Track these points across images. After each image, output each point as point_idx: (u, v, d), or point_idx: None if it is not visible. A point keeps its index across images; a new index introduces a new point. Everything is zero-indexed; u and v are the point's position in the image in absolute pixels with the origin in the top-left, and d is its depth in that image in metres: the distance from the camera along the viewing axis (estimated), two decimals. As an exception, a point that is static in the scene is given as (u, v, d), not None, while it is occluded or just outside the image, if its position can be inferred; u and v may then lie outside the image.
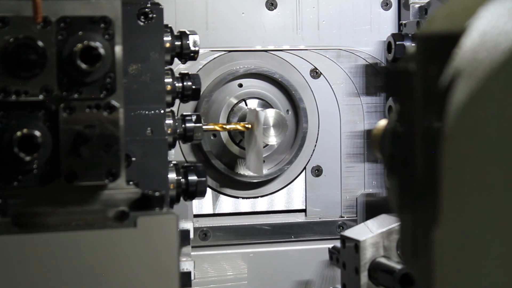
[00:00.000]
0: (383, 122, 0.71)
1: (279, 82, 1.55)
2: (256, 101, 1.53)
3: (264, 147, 1.47)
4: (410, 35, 1.52)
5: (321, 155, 1.60)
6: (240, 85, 1.54)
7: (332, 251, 1.45)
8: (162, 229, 0.90)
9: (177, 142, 1.20)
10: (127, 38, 0.95)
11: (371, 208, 1.59)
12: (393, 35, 1.53)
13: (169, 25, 1.13)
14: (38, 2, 0.85)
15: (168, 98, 1.11)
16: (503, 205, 0.50)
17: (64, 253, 0.86)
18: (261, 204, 1.58)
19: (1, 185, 0.89)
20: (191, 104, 1.52)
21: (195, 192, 1.15)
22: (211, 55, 1.54)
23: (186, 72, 1.18)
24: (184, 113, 1.20)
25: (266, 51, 1.56)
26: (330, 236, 1.58)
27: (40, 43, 0.87)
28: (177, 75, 1.16)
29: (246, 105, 1.52)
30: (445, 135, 0.50)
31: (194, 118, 1.19)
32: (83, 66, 0.87)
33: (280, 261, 1.57)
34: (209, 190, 1.54)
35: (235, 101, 1.53)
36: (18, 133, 0.87)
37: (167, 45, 1.11)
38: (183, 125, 1.17)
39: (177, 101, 1.18)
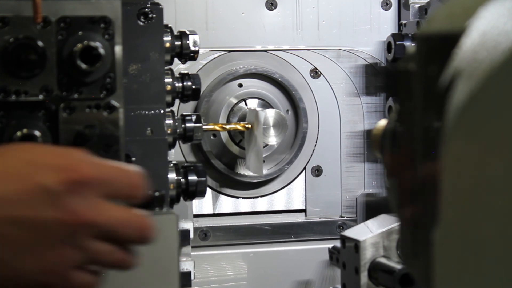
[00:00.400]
0: (383, 122, 0.71)
1: (279, 82, 1.55)
2: (256, 101, 1.53)
3: (264, 147, 1.47)
4: (410, 35, 1.52)
5: (321, 155, 1.60)
6: (240, 85, 1.54)
7: (332, 251, 1.45)
8: (162, 229, 0.90)
9: (177, 142, 1.20)
10: (127, 38, 0.95)
11: (371, 208, 1.59)
12: (393, 35, 1.53)
13: (169, 25, 1.13)
14: (38, 2, 0.85)
15: (168, 98, 1.11)
16: (503, 205, 0.50)
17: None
18: (261, 204, 1.58)
19: (1, 185, 0.89)
20: (191, 104, 1.52)
21: (195, 192, 1.15)
22: (211, 55, 1.54)
23: (186, 72, 1.18)
24: (184, 113, 1.20)
25: (266, 51, 1.56)
26: (330, 236, 1.57)
27: (40, 43, 0.87)
28: (177, 75, 1.16)
29: (246, 105, 1.52)
30: (445, 135, 0.50)
31: (194, 118, 1.19)
32: (83, 66, 0.87)
33: (280, 261, 1.57)
34: (209, 190, 1.54)
35: (235, 101, 1.53)
36: (18, 133, 0.87)
37: (167, 45, 1.11)
38: (183, 125, 1.17)
39: (177, 101, 1.18)
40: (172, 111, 1.14)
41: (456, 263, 0.51)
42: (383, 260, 1.28)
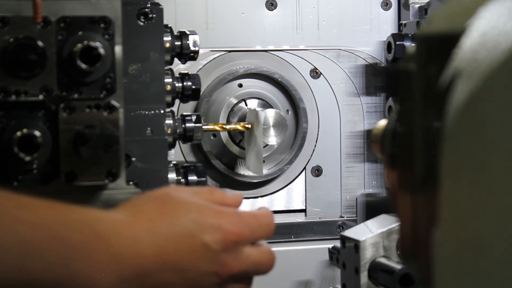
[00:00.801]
0: (383, 122, 0.71)
1: (279, 82, 1.55)
2: (256, 101, 1.53)
3: (264, 147, 1.47)
4: (410, 35, 1.52)
5: (321, 155, 1.59)
6: (240, 85, 1.54)
7: (332, 251, 1.45)
8: (162, 229, 0.90)
9: (177, 142, 1.20)
10: (127, 38, 0.95)
11: (371, 208, 1.59)
12: (393, 35, 1.53)
13: (169, 25, 1.13)
14: (38, 2, 0.85)
15: (168, 98, 1.11)
16: (503, 205, 0.50)
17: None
18: (261, 204, 1.58)
19: (1, 185, 0.89)
20: (191, 104, 1.51)
21: (195, 192, 1.14)
22: (211, 55, 1.54)
23: (186, 72, 1.18)
24: (184, 113, 1.20)
25: (266, 51, 1.56)
26: (330, 236, 1.57)
27: (40, 43, 0.87)
28: (177, 75, 1.16)
29: (246, 105, 1.52)
30: (445, 135, 0.50)
31: (194, 118, 1.19)
32: (83, 66, 0.87)
33: (280, 261, 1.56)
34: (209, 190, 1.53)
35: (235, 101, 1.53)
36: (18, 133, 0.87)
37: (167, 45, 1.11)
38: (183, 125, 1.17)
39: (177, 101, 1.18)
40: (172, 111, 1.14)
41: (456, 263, 0.51)
42: (383, 260, 1.28)
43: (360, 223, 1.53)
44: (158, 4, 1.08)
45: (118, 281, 0.74)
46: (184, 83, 1.16)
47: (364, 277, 1.29)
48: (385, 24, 1.60)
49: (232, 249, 0.80)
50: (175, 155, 1.49)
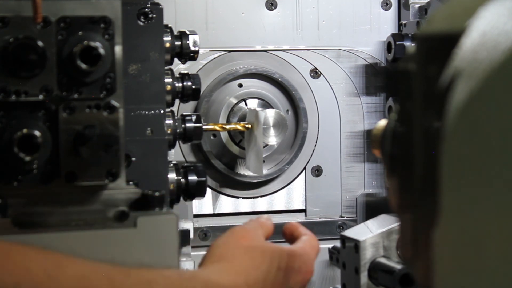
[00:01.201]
0: (383, 122, 0.71)
1: (279, 82, 1.55)
2: (256, 101, 1.53)
3: (264, 147, 1.47)
4: (410, 35, 1.52)
5: (321, 155, 1.60)
6: (240, 85, 1.54)
7: (332, 251, 1.45)
8: (162, 229, 0.90)
9: (177, 142, 1.20)
10: (127, 38, 0.95)
11: (371, 208, 1.59)
12: (393, 35, 1.53)
13: (169, 25, 1.13)
14: (38, 2, 0.85)
15: (168, 98, 1.11)
16: (503, 205, 0.50)
17: (64, 253, 0.86)
18: (261, 204, 1.58)
19: (1, 185, 0.89)
20: (191, 104, 1.52)
21: (195, 192, 1.15)
22: (211, 55, 1.54)
23: (186, 72, 1.18)
24: (184, 113, 1.20)
25: (266, 51, 1.56)
26: (330, 236, 1.57)
27: (40, 43, 0.87)
28: (177, 75, 1.16)
29: (246, 105, 1.52)
30: (445, 135, 0.50)
31: (194, 118, 1.19)
32: (83, 66, 0.87)
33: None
34: (209, 190, 1.54)
35: (235, 101, 1.53)
36: (18, 133, 0.87)
37: (167, 45, 1.11)
38: (183, 125, 1.17)
39: (177, 101, 1.18)
40: (172, 111, 1.14)
41: (456, 263, 0.51)
42: (383, 260, 1.28)
43: (360, 223, 1.53)
44: (158, 4, 1.08)
45: None
46: (184, 83, 1.15)
47: (364, 277, 1.29)
48: (385, 24, 1.60)
49: (307, 282, 0.95)
50: (175, 155, 1.49)
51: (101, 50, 0.88)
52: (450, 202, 0.51)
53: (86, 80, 0.89)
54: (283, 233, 1.06)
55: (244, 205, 1.58)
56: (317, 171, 1.60)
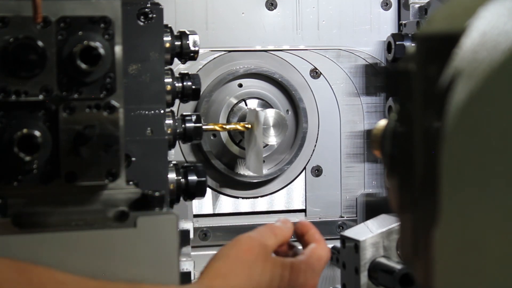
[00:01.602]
0: (383, 122, 0.71)
1: (279, 82, 1.55)
2: (256, 101, 1.53)
3: (264, 147, 1.47)
4: (410, 35, 1.52)
5: (321, 155, 1.60)
6: (240, 85, 1.54)
7: (332, 251, 1.45)
8: (162, 229, 0.90)
9: (177, 142, 1.20)
10: (127, 38, 0.95)
11: (371, 208, 1.59)
12: (393, 35, 1.53)
13: (169, 25, 1.13)
14: (38, 2, 0.85)
15: (168, 98, 1.11)
16: (503, 205, 0.50)
17: (64, 253, 0.86)
18: (261, 204, 1.58)
19: (1, 185, 0.89)
20: (191, 104, 1.52)
21: (195, 192, 1.15)
22: (211, 55, 1.54)
23: (186, 72, 1.18)
24: (184, 113, 1.20)
25: (266, 51, 1.56)
26: (330, 236, 1.57)
27: (40, 43, 0.87)
28: (177, 75, 1.16)
29: (246, 105, 1.52)
30: (445, 135, 0.50)
31: (194, 118, 1.19)
32: (83, 66, 0.87)
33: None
34: (209, 190, 1.54)
35: (235, 101, 1.53)
36: (18, 133, 0.86)
37: (167, 45, 1.11)
38: (183, 125, 1.17)
39: (177, 101, 1.18)
40: (172, 111, 1.14)
41: (456, 263, 0.51)
42: (383, 260, 1.28)
43: (360, 223, 1.53)
44: (158, 4, 1.08)
45: None
46: (184, 83, 1.15)
47: (364, 277, 1.29)
48: (385, 24, 1.60)
49: None
50: (175, 155, 1.49)
51: (101, 50, 0.87)
52: (450, 202, 0.51)
53: (86, 80, 0.89)
54: (294, 231, 1.03)
55: (244, 205, 1.58)
56: (317, 171, 1.60)
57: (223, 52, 1.54)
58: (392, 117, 0.65)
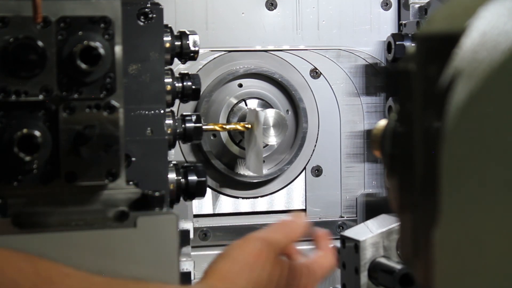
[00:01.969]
0: (383, 122, 0.71)
1: (279, 82, 1.55)
2: (256, 101, 1.53)
3: (264, 147, 1.47)
4: (410, 35, 1.52)
5: (321, 155, 1.60)
6: (240, 85, 1.54)
7: (332, 251, 1.45)
8: (162, 229, 0.90)
9: (177, 142, 1.20)
10: (127, 38, 0.95)
11: (371, 208, 1.59)
12: (393, 35, 1.53)
13: (169, 25, 1.13)
14: (38, 2, 0.85)
15: (168, 98, 1.11)
16: (503, 205, 0.50)
17: (64, 253, 0.86)
18: (261, 204, 1.58)
19: (1, 185, 0.89)
20: (191, 104, 1.52)
21: (195, 192, 1.15)
22: (211, 55, 1.54)
23: (186, 72, 1.18)
24: (184, 113, 1.20)
25: (266, 51, 1.56)
26: (330, 236, 1.57)
27: (40, 43, 0.87)
28: (177, 75, 1.16)
29: (246, 105, 1.52)
30: (445, 135, 0.50)
31: (194, 118, 1.19)
32: (83, 66, 0.87)
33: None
34: (209, 190, 1.54)
35: (235, 101, 1.53)
36: (18, 133, 0.86)
37: (167, 45, 1.11)
38: (183, 125, 1.17)
39: (177, 101, 1.18)
40: (172, 111, 1.14)
41: (456, 263, 0.51)
42: (383, 260, 1.28)
43: (360, 223, 1.53)
44: (158, 4, 1.08)
45: None
46: (184, 83, 1.15)
47: (364, 277, 1.29)
48: (385, 24, 1.60)
49: None
50: (175, 155, 1.49)
51: (101, 50, 0.87)
52: (450, 202, 0.51)
53: (86, 80, 0.89)
54: (311, 234, 1.03)
55: (244, 205, 1.58)
56: (317, 171, 1.60)
57: (223, 52, 1.54)
58: (392, 117, 0.65)
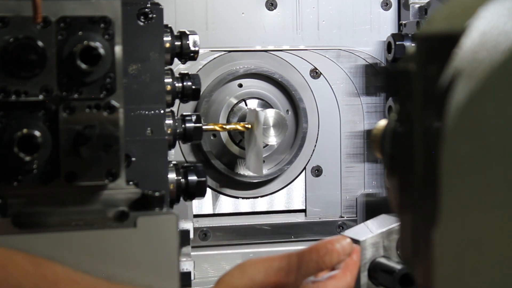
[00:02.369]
0: (383, 122, 0.71)
1: (279, 82, 1.55)
2: (256, 101, 1.53)
3: (264, 147, 1.47)
4: (410, 35, 1.52)
5: (321, 155, 1.60)
6: (240, 85, 1.54)
7: (332, 251, 1.45)
8: (162, 229, 0.90)
9: (177, 142, 1.20)
10: (127, 38, 0.95)
11: (371, 208, 1.59)
12: (393, 35, 1.53)
13: (169, 25, 1.13)
14: (38, 2, 0.85)
15: (168, 98, 1.11)
16: (503, 205, 0.50)
17: (64, 253, 0.86)
18: (261, 204, 1.58)
19: (1, 185, 0.89)
20: (191, 104, 1.52)
21: (195, 192, 1.15)
22: (211, 55, 1.54)
23: (186, 72, 1.18)
24: (184, 113, 1.20)
25: (266, 51, 1.56)
26: (330, 236, 1.57)
27: (40, 43, 0.87)
28: (177, 75, 1.16)
29: (246, 105, 1.52)
30: (445, 135, 0.50)
31: (194, 118, 1.19)
32: (83, 66, 0.87)
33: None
34: (209, 190, 1.54)
35: (235, 101, 1.53)
36: (18, 133, 0.87)
37: (167, 45, 1.11)
38: (183, 125, 1.17)
39: (177, 101, 1.18)
40: (172, 111, 1.14)
41: (456, 263, 0.51)
42: (383, 260, 1.28)
43: (360, 223, 1.53)
44: (158, 4, 1.08)
45: None
46: (184, 83, 1.15)
47: (364, 277, 1.29)
48: (385, 24, 1.60)
49: None
50: (175, 155, 1.49)
51: (101, 50, 0.88)
52: (450, 202, 0.51)
53: (86, 80, 0.89)
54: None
55: (244, 205, 1.58)
56: (317, 171, 1.60)
57: (223, 52, 1.54)
58: (392, 117, 0.65)
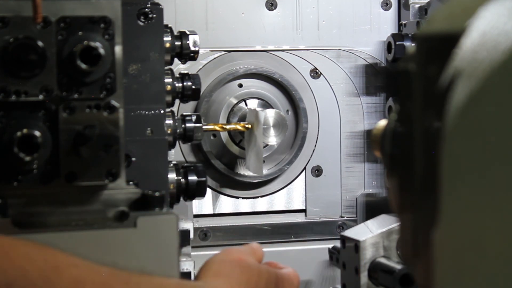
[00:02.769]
0: (383, 122, 0.71)
1: (279, 82, 1.55)
2: (256, 101, 1.53)
3: (264, 147, 1.47)
4: (410, 35, 1.52)
5: (321, 155, 1.60)
6: (240, 85, 1.54)
7: (332, 251, 1.45)
8: (162, 229, 0.90)
9: (177, 142, 1.20)
10: (127, 38, 0.95)
11: (371, 208, 1.59)
12: (393, 35, 1.53)
13: (169, 25, 1.13)
14: (38, 2, 0.85)
15: (168, 98, 1.11)
16: (504, 205, 0.50)
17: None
18: (261, 204, 1.58)
19: (1, 185, 0.89)
20: (191, 104, 1.52)
21: (195, 192, 1.15)
22: (211, 55, 1.54)
23: (186, 72, 1.18)
24: (184, 113, 1.20)
25: (266, 51, 1.56)
26: (330, 236, 1.57)
27: (40, 43, 0.87)
28: (177, 75, 1.16)
29: (246, 105, 1.52)
30: (445, 135, 0.50)
31: (194, 118, 1.19)
32: (83, 66, 0.87)
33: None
34: (209, 190, 1.54)
35: (235, 101, 1.53)
36: (18, 133, 0.86)
37: (167, 45, 1.11)
38: (183, 125, 1.17)
39: (177, 101, 1.18)
40: (172, 111, 1.14)
41: (456, 263, 0.51)
42: (383, 260, 1.28)
43: (360, 223, 1.53)
44: (158, 4, 1.08)
45: None
46: (184, 83, 1.15)
47: (364, 277, 1.29)
48: (385, 24, 1.60)
49: None
50: (175, 155, 1.49)
51: (101, 50, 0.87)
52: (450, 202, 0.51)
53: (86, 80, 0.89)
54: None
55: (244, 205, 1.58)
56: (317, 171, 1.60)
57: (223, 52, 1.54)
58: (392, 117, 0.65)
